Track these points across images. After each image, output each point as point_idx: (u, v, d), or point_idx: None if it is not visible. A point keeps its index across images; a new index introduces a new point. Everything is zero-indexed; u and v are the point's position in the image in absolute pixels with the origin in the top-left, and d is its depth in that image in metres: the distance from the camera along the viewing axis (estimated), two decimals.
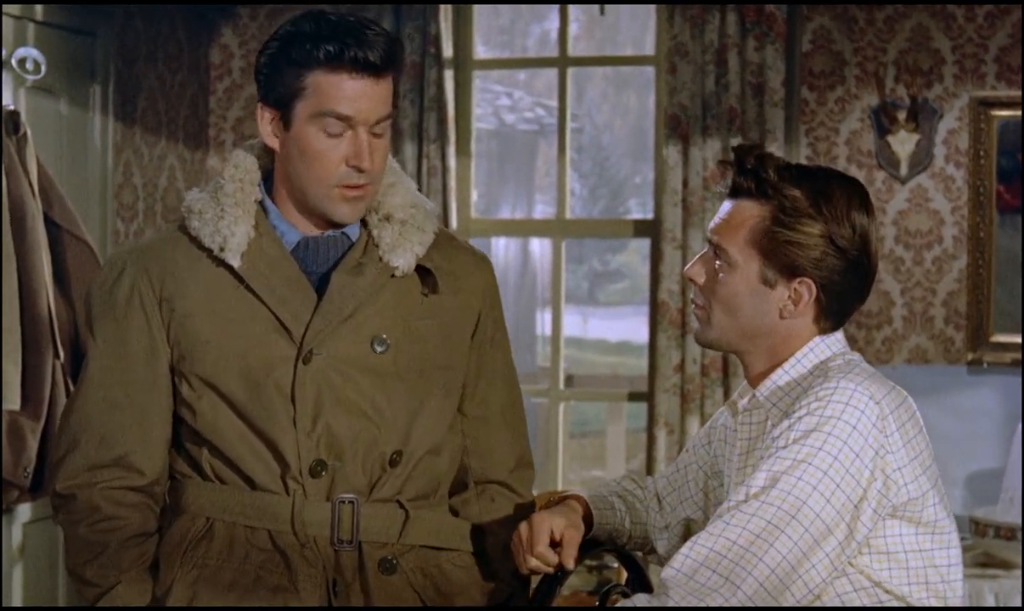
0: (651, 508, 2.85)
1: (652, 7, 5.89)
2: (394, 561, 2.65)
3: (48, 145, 4.89)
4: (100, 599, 2.65)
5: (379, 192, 2.68)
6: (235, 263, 2.62)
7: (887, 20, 5.55)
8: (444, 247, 2.74)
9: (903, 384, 2.58)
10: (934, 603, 2.48)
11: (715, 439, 2.75)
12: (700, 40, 5.55)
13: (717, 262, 2.56)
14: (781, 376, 2.56)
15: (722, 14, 5.52)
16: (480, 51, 6.12)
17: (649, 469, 5.59)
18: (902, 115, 5.52)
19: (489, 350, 2.78)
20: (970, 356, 5.48)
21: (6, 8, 4.69)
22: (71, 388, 4.46)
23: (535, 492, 2.87)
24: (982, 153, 5.45)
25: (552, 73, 6.36)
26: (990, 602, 4.84)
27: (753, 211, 2.53)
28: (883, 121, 5.54)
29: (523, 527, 2.66)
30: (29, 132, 4.43)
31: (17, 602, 4.79)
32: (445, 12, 5.74)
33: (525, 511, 2.76)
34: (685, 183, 5.58)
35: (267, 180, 2.70)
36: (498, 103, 14.48)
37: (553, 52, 6.34)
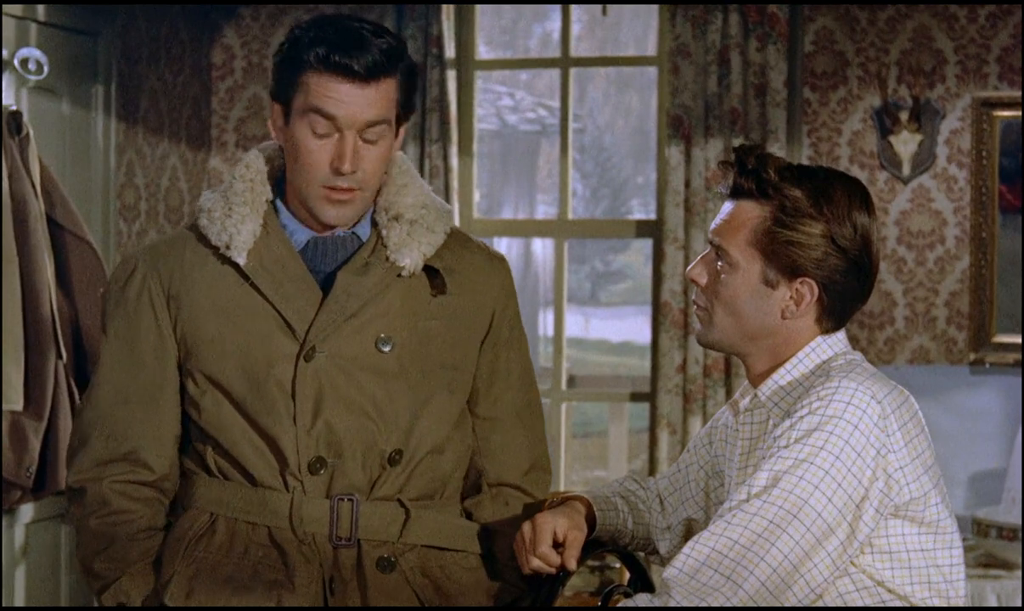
0: (653, 509, 2.85)
1: (654, 7, 5.89)
2: (392, 560, 2.66)
3: (50, 146, 4.89)
4: (105, 591, 2.67)
5: (393, 193, 2.70)
6: (241, 261, 2.64)
7: (889, 21, 5.55)
8: (456, 248, 2.74)
9: (905, 384, 2.58)
10: (936, 603, 2.48)
11: (716, 439, 2.75)
12: (702, 40, 5.55)
13: (719, 263, 2.56)
14: (783, 376, 2.56)
15: (724, 15, 5.52)
16: (482, 51, 6.12)
17: (651, 469, 5.59)
18: (904, 116, 5.52)
19: (504, 351, 2.77)
20: (972, 356, 5.48)
21: (8, 8, 4.69)
22: (73, 389, 4.47)
23: None
24: (984, 153, 5.45)
25: (554, 73, 6.37)
26: (992, 602, 4.83)
27: (754, 212, 2.53)
28: (885, 122, 5.53)
29: (526, 527, 2.67)
30: (32, 133, 4.43)
31: (20, 602, 4.79)
32: (447, 12, 5.74)
33: (532, 512, 2.76)
34: (687, 183, 5.58)
35: (284, 181, 2.72)
36: (500, 104, 14.49)
37: (555, 52, 6.35)
